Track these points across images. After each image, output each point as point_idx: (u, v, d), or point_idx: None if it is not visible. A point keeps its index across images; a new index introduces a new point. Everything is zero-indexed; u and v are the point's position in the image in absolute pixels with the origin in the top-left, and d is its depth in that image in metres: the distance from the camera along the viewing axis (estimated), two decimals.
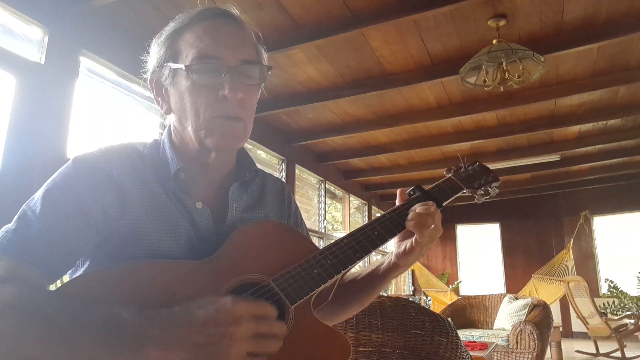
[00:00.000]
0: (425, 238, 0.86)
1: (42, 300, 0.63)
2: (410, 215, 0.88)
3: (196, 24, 0.84)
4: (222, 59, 0.81)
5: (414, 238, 0.87)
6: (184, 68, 0.81)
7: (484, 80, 3.19)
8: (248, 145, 4.60)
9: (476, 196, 1.10)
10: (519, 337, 4.23)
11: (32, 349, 0.59)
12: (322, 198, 6.21)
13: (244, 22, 0.88)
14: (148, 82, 0.90)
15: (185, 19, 0.85)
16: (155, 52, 0.87)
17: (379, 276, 0.95)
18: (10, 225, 0.72)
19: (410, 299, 2.61)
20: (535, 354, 4.12)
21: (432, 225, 0.86)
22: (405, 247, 0.89)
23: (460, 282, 8.72)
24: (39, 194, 0.75)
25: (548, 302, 5.04)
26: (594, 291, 7.09)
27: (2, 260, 0.68)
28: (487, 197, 1.11)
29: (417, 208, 0.88)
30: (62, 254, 0.71)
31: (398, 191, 0.95)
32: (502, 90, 3.28)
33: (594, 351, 5.80)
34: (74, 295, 0.66)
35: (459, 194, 1.03)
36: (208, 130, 0.81)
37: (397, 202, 0.94)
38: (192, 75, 0.81)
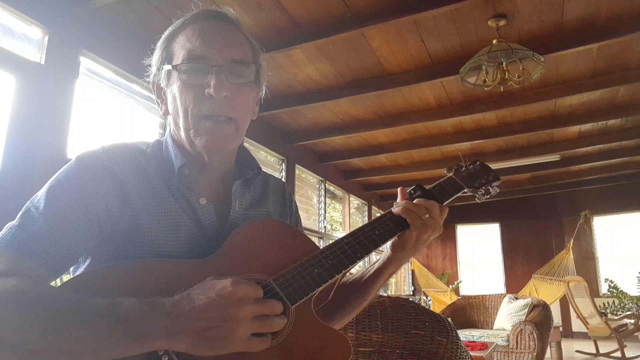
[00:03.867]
0: (417, 222, 0.87)
1: (45, 292, 0.63)
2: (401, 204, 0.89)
3: (188, 26, 0.86)
4: (209, 58, 0.82)
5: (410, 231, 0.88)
6: (171, 68, 0.84)
7: (484, 80, 3.20)
8: (248, 145, 4.61)
9: (477, 195, 1.10)
10: (519, 337, 4.23)
11: (36, 341, 0.59)
12: (322, 198, 6.21)
13: (238, 23, 0.89)
14: (151, 85, 0.92)
15: (180, 22, 0.87)
16: (154, 55, 0.89)
17: (373, 273, 0.94)
18: (14, 221, 0.73)
19: (410, 299, 2.60)
20: (535, 354, 4.12)
21: (427, 215, 0.87)
22: (402, 237, 0.89)
23: (460, 282, 8.72)
24: (42, 191, 0.76)
25: (548, 302, 5.04)
26: (594, 291, 7.09)
27: (6, 255, 0.68)
28: (488, 196, 1.10)
29: (416, 201, 0.89)
30: (65, 250, 0.72)
31: (399, 190, 0.94)
32: (502, 90, 3.28)
33: (594, 351, 5.80)
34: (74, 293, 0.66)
35: (460, 193, 1.03)
36: (196, 130, 0.82)
37: (399, 201, 0.93)
38: (181, 76, 0.83)
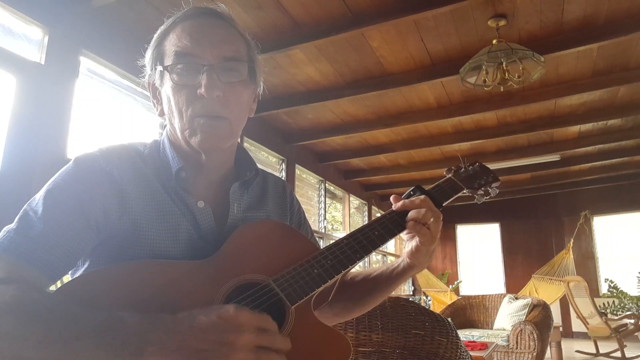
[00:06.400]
0: (426, 237, 0.87)
1: (44, 302, 0.63)
2: (408, 222, 0.88)
3: (178, 24, 0.85)
4: (200, 57, 0.81)
5: (417, 238, 0.88)
6: (163, 69, 0.83)
7: (484, 80, 3.20)
8: (248, 146, 4.60)
9: (476, 196, 1.10)
10: (519, 337, 4.23)
11: (32, 353, 0.59)
12: (322, 198, 6.21)
13: (231, 19, 0.88)
14: (146, 85, 0.91)
15: (171, 20, 0.86)
16: (147, 55, 0.88)
17: (396, 275, 0.95)
18: (12, 225, 0.72)
19: (410, 299, 2.61)
20: (535, 354, 4.12)
21: (432, 219, 0.87)
22: (412, 247, 0.89)
23: (460, 282, 8.72)
24: (40, 195, 0.76)
25: (548, 302, 5.04)
26: (594, 291, 7.08)
27: (4, 260, 0.68)
28: (487, 197, 1.11)
29: (410, 213, 0.88)
30: (63, 254, 0.71)
31: (392, 197, 0.93)
32: (502, 90, 3.28)
33: (594, 351, 5.80)
34: (73, 296, 0.66)
35: (459, 194, 1.03)
36: (191, 130, 0.82)
37: (394, 208, 0.93)
38: (172, 76, 0.82)
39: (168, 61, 0.83)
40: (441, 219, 0.90)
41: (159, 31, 0.87)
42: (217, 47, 0.82)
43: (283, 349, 0.65)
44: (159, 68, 0.84)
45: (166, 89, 0.84)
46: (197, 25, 0.84)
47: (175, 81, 0.81)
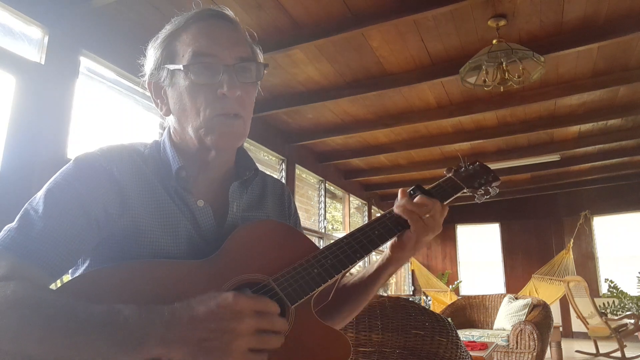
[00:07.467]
0: (418, 222, 0.87)
1: (45, 298, 0.63)
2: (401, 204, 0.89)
3: (191, 25, 0.85)
4: (219, 57, 0.82)
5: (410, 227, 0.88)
6: (181, 68, 0.82)
7: (484, 80, 3.20)
8: (248, 146, 4.60)
9: (476, 196, 1.10)
10: (519, 337, 4.23)
11: (35, 347, 0.59)
12: (322, 198, 6.21)
13: (238, 22, 0.89)
14: (146, 85, 0.90)
15: (181, 21, 0.86)
16: (152, 54, 0.88)
17: (373, 273, 0.94)
18: (13, 224, 0.73)
19: (410, 299, 2.61)
20: (535, 354, 4.12)
21: (427, 215, 0.87)
22: (402, 237, 0.89)
23: (460, 282, 8.72)
24: (41, 194, 0.76)
25: (548, 302, 5.04)
26: (594, 291, 7.09)
27: (5, 259, 0.68)
28: (488, 196, 1.11)
29: (416, 200, 0.89)
30: (64, 253, 0.72)
31: (399, 191, 0.94)
32: (502, 90, 3.28)
33: (594, 351, 5.80)
34: (73, 295, 0.66)
35: (460, 194, 1.03)
36: (208, 128, 0.82)
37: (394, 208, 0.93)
38: (190, 75, 0.82)
39: (183, 61, 0.83)
40: (446, 212, 0.90)
41: (167, 31, 0.87)
42: (234, 49, 0.84)
43: (282, 330, 0.67)
44: (171, 67, 0.84)
45: (179, 88, 0.84)
46: (212, 26, 0.85)
47: (194, 80, 0.81)
